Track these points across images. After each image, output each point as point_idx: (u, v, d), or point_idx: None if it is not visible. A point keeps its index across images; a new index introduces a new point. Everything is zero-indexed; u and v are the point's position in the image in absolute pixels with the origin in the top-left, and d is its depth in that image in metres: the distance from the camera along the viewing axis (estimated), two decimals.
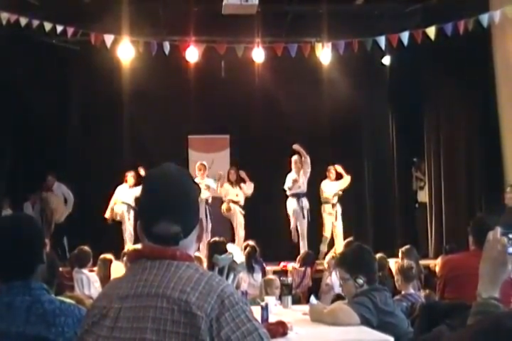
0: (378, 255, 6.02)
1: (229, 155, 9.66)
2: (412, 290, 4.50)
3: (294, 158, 8.17)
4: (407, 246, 6.33)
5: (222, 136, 9.71)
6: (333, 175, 8.54)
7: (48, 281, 2.03)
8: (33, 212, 8.51)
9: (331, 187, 8.52)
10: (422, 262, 6.80)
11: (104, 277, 5.62)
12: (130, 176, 8.32)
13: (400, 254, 6.22)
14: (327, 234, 8.43)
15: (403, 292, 4.49)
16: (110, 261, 5.84)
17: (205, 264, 4.68)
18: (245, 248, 6.21)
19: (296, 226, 8.13)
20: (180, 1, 8.06)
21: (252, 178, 8.27)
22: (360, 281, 3.01)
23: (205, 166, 8.37)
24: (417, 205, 9.73)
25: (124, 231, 8.35)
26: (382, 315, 2.88)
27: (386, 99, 10.20)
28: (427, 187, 9.45)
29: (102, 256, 5.94)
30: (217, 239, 5.72)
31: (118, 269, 5.55)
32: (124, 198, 8.38)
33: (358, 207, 9.96)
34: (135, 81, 8.86)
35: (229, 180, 8.45)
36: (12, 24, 7.09)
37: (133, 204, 8.23)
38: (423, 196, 9.60)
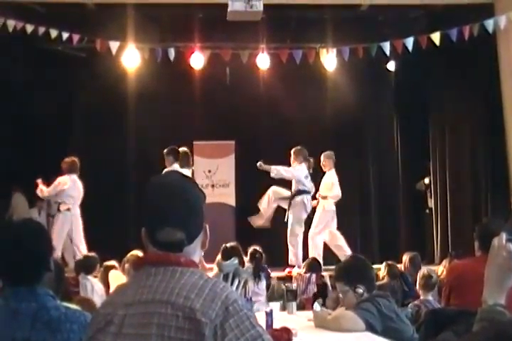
0: (388, 263, 5.99)
1: (234, 161, 9.66)
2: (430, 297, 4.52)
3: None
4: (412, 254, 6.27)
5: (228, 141, 9.72)
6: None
7: (54, 288, 2.04)
8: (39, 218, 8.54)
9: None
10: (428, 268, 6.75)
11: (104, 284, 5.61)
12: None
13: (405, 260, 6.18)
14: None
15: (422, 297, 4.51)
16: (110, 268, 5.82)
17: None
18: (252, 254, 6.06)
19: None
20: (185, 7, 8.09)
21: (257, 183, 8.26)
22: (360, 291, 3.01)
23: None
24: (427, 211, 9.61)
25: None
26: (386, 320, 2.87)
27: (391, 104, 10.20)
28: (432, 191, 9.40)
29: (105, 263, 5.93)
30: (232, 243, 5.69)
31: (117, 277, 5.55)
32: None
33: (362, 210, 9.96)
34: (140, 87, 8.89)
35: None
36: (18, 31, 7.15)
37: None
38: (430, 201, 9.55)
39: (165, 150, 7.35)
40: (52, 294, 1.90)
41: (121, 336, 1.31)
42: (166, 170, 7.18)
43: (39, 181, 7.37)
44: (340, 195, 7.95)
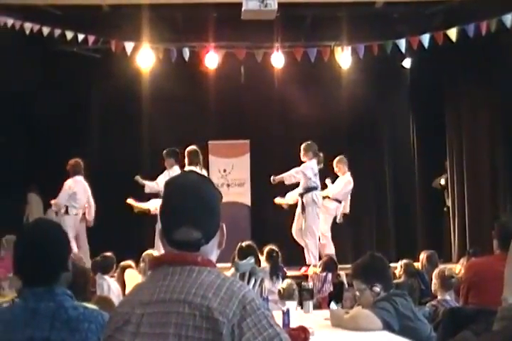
0: (405, 261, 5.94)
1: (249, 160, 9.67)
2: (448, 297, 4.45)
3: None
4: (429, 252, 6.21)
5: (243, 141, 9.73)
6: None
7: (76, 288, 2.05)
8: (56, 218, 8.60)
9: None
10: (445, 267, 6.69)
11: (120, 284, 5.65)
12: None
13: (423, 259, 6.13)
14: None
15: (439, 297, 4.47)
16: (126, 268, 5.85)
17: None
18: (269, 253, 6.05)
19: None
20: (199, 7, 8.11)
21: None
22: (377, 289, 3.00)
23: None
24: (445, 209, 9.51)
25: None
26: (403, 319, 2.86)
27: (407, 101, 10.13)
28: (449, 189, 9.32)
29: (121, 263, 5.97)
30: (248, 243, 5.69)
31: (133, 277, 5.57)
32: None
33: (379, 209, 9.91)
34: (155, 87, 8.93)
35: None
36: (35, 34, 7.23)
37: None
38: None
39: (164, 151, 7.26)
40: (70, 294, 1.92)
41: (139, 335, 1.32)
42: (165, 171, 7.17)
43: (52, 202, 7.51)
44: (334, 193, 7.90)
